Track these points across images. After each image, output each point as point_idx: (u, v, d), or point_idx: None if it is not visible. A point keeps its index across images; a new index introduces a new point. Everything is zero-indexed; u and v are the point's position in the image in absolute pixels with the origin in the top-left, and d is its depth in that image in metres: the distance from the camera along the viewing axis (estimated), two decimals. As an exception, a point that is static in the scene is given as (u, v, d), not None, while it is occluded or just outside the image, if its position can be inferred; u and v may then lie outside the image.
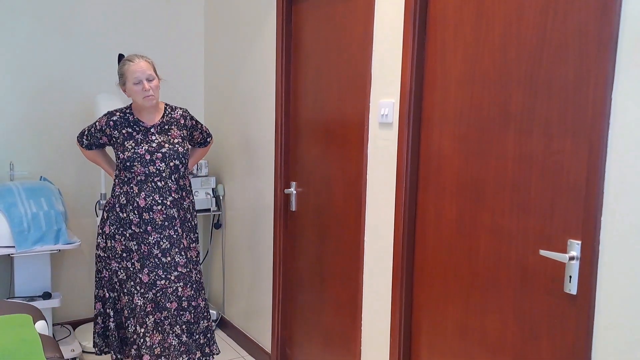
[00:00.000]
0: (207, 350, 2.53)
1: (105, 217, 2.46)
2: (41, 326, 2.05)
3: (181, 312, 2.44)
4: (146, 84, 2.34)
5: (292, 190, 2.69)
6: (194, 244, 2.53)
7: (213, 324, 2.65)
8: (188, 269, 2.45)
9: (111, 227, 2.43)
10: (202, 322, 2.51)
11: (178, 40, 3.49)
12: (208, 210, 3.30)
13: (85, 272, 3.32)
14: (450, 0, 1.80)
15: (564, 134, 1.49)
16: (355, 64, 2.24)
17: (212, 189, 3.32)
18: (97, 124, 2.46)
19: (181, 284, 2.43)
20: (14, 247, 2.63)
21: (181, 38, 3.49)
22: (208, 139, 2.70)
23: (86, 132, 2.49)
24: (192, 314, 2.47)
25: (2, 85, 2.99)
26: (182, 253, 2.44)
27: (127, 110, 2.46)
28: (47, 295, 2.82)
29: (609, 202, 1.36)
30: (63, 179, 3.20)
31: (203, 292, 2.53)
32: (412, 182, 1.97)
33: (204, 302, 2.52)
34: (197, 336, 2.50)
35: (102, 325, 2.51)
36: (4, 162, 3.03)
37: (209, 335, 2.54)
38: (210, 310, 3.41)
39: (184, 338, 2.45)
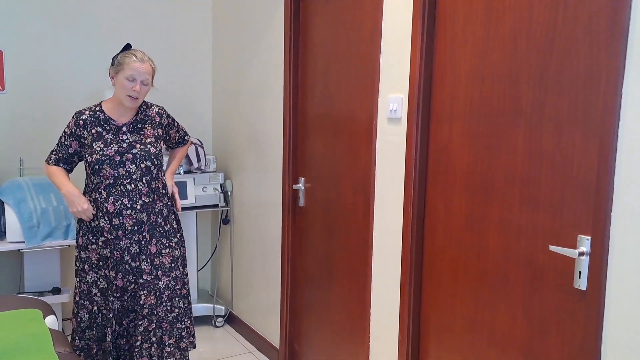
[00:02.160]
0: None
1: (77, 229, 2.39)
2: (51, 321, 2.07)
3: (139, 322, 2.35)
4: (137, 86, 2.24)
5: (301, 185, 2.69)
6: (167, 250, 2.40)
7: (186, 343, 2.50)
8: (153, 276, 2.35)
9: (83, 238, 2.35)
10: (165, 335, 2.40)
11: (186, 36, 3.49)
12: (216, 206, 3.31)
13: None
14: (459, -5, 1.79)
15: (574, 129, 1.48)
16: (364, 59, 2.23)
17: (220, 185, 3.33)
18: (66, 130, 2.32)
19: (144, 292, 2.34)
20: (23, 242, 2.65)
21: (189, 34, 3.50)
22: (186, 137, 2.60)
23: (56, 148, 2.36)
24: (154, 323, 2.37)
25: (12, 82, 3.01)
26: (148, 260, 2.34)
27: (97, 108, 2.33)
28: (56, 291, 2.84)
29: (619, 198, 1.35)
30: (72, 175, 3.21)
31: (177, 300, 2.43)
32: (420, 178, 1.97)
33: (172, 315, 2.42)
34: (155, 348, 2.39)
35: (80, 342, 2.40)
36: (14, 158, 3.05)
37: (168, 351, 2.42)
38: (219, 306, 3.43)
39: (138, 344, 2.35)
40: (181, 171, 3.23)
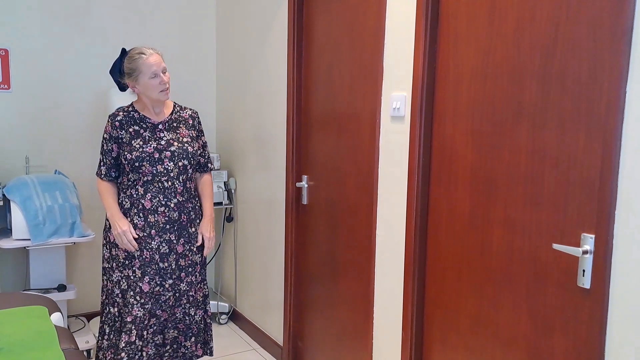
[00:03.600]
0: None
1: (107, 226, 2.33)
2: (57, 318, 2.08)
3: (169, 323, 2.34)
4: (163, 77, 2.21)
5: (304, 183, 2.70)
6: (189, 253, 2.37)
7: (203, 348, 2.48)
8: (176, 277, 2.34)
9: (113, 235, 2.30)
10: (181, 336, 2.39)
11: (190, 36, 3.50)
12: (220, 203, 3.32)
13: (99, 265, 3.36)
14: (463, -7, 1.79)
15: (578, 128, 1.47)
16: (367, 57, 2.23)
17: (224, 183, 3.34)
18: (104, 135, 2.30)
19: (171, 293, 2.33)
20: (29, 239, 2.67)
21: (193, 33, 3.50)
22: (209, 165, 2.49)
23: (101, 158, 2.32)
24: (180, 324, 2.38)
25: (18, 81, 3.03)
26: (174, 261, 2.32)
27: (130, 109, 2.30)
28: (62, 288, 2.86)
29: (623, 196, 1.35)
30: (77, 173, 3.23)
31: (193, 306, 2.41)
32: (424, 176, 1.97)
33: (189, 318, 2.40)
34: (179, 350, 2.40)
35: (102, 342, 2.37)
36: (20, 156, 3.07)
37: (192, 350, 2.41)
38: (222, 303, 3.44)
39: (163, 350, 2.35)
40: None
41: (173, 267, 2.32)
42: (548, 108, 1.55)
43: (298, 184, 2.72)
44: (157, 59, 2.20)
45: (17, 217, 2.65)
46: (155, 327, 2.31)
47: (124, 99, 2.95)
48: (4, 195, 2.75)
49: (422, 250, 2.01)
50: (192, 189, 2.38)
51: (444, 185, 1.91)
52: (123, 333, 2.25)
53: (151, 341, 2.31)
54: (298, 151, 2.74)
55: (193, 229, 2.38)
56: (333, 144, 2.48)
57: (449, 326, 1.93)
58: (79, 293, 3.30)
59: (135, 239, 2.26)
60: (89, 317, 3.33)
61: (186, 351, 2.42)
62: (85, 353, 2.86)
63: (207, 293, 2.47)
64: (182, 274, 2.36)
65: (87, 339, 2.95)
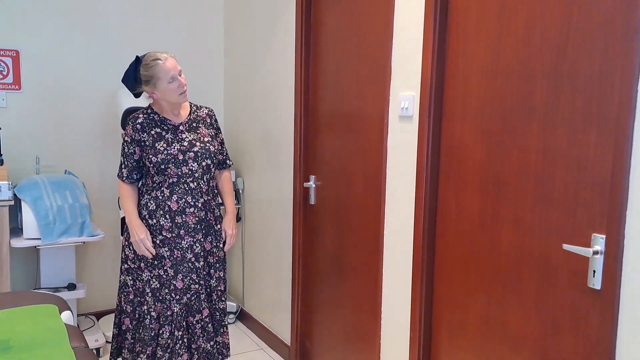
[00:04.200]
0: None
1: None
2: (67, 316, 2.09)
3: (207, 318, 2.40)
4: (181, 80, 2.23)
5: (312, 183, 2.70)
6: (215, 250, 2.42)
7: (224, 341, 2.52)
8: (205, 273, 2.40)
9: None
10: (218, 331, 2.46)
11: (198, 35, 3.51)
12: None
13: (108, 264, 3.38)
14: (472, -8, 1.78)
15: (589, 127, 1.46)
16: (375, 56, 2.23)
17: (232, 182, 3.34)
18: (126, 138, 2.29)
19: (205, 291, 2.39)
20: (40, 239, 2.69)
21: (201, 33, 3.52)
22: (228, 161, 2.53)
23: (122, 160, 2.32)
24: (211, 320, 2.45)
25: (28, 82, 3.05)
26: (203, 258, 2.37)
27: (149, 111, 2.31)
28: (72, 286, 2.88)
29: (635, 196, 1.34)
30: (87, 173, 3.25)
31: (217, 301, 2.46)
32: (432, 176, 1.96)
33: (216, 314, 2.46)
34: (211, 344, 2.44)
35: (137, 342, 2.38)
36: (30, 156, 3.09)
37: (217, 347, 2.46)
38: (230, 303, 3.45)
39: (206, 345, 2.41)
40: None
41: (203, 264, 2.37)
42: (559, 107, 1.54)
43: (305, 184, 2.72)
44: (173, 63, 2.21)
45: (28, 217, 2.68)
46: (202, 324, 2.37)
47: (133, 99, 2.97)
48: (15, 195, 2.77)
49: (430, 251, 2.00)
50: (214, 187, 2.43)
51: (452, 185, 1.91)
52: (163, 327, 2.31)
53: (201, 336, 2.38)
54: (305, 151, 2.74)
55: (218, 226, 2.43)
56: (341, 144, 2.48)
57: (457, 327, 1.92)
58: (89, 292, 3.32)
59: (162, 240, 2.29)
60: (99, 316, 3.35)
61: (212, 349, 2.44)
62: (94, 351, 2.88)
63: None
64: (212, 271, 2.42)
65: (96, 337, 2.97)
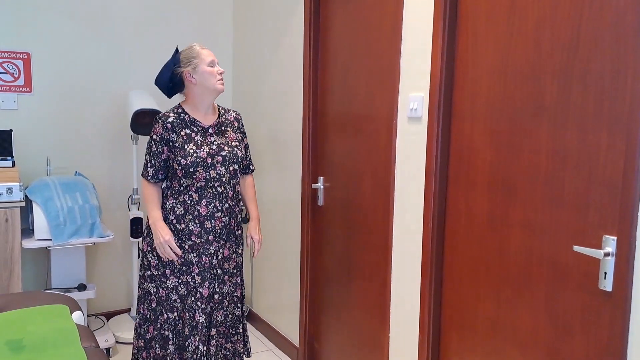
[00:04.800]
0: None
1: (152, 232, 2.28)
2: (77, 316, 2.11)
3: (225, 327, 2.35)
4: (219, 68, 2.22)
5: (320, 185, 2.70)
6: (234, 255, 2.36)
7: (241, 349, 2.44)
8: (220, 280, 2.32)
9: None
10: (222, 338, 2.36)
11: (207, 36, 3.53)
12: None
13: (118, 265, 3.40)
14: (482, -8, 1.78)
15: (600, 127, 1.45)
16: (384, 57, 2.23)
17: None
18: (154, 137, 2.21)
19: (220, 298, 2.33)
20: (50, 240, 2.71)
21: (210, 34, 3.53)
22: (251, 166, 2.47)
23: (148, 159, 2.24)
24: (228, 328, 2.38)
25: (39, 84, 3.08)
26: (221, 265, 2.31)
27: (179, 110, 2.25)
28: (82, 287, 2.90)
29: (647, 197, 1.33)
30: (97, 174, 3.27)
31: (233, 307, 2.38)
32: (441, 177, 1.96)
33: (228, 320, 2.37)
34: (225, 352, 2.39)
35: (162, 350, 2.29)
36: (41, 158, 3.12)
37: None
38: None
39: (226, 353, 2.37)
40: None
41: (219, 272, 2.30)
42: (569, 107, 1.53)
43: (314, 185, 2.72)
44: (210, 52, 2.23)
45: (39, 218, 2.70)
46: (222, 333, 2.34)
47: (144, 101, 2.98)
48: (26, 196, 2.80)
49: (439, 252, 2.00)
50: (238, 192, 2.37)
51: (461, 186, 1.90)
52: (188, 339, 2.25)
53: (223, 347, 2.33)
54: (314, 152, 2.75)
55: (239, 232, 2.38)
56: (349, 145, 2.48)
57: (466, 329, 1.91)
58: (98, 292, 3.34)
59: (191, 245, 2.23)
60: (108, 316, 3.37)
61: (227, 353, 2.39)
62: (105, 351, 2.89)
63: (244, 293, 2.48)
64: (226, 277, 2.33)
65: (106, 338, 2.98)
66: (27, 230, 2.89)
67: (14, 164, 2.81)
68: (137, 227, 3.14)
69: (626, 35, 1.38)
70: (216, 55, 3.57)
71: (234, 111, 2.40)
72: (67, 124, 3.17)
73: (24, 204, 2.66)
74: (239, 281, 2.40)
